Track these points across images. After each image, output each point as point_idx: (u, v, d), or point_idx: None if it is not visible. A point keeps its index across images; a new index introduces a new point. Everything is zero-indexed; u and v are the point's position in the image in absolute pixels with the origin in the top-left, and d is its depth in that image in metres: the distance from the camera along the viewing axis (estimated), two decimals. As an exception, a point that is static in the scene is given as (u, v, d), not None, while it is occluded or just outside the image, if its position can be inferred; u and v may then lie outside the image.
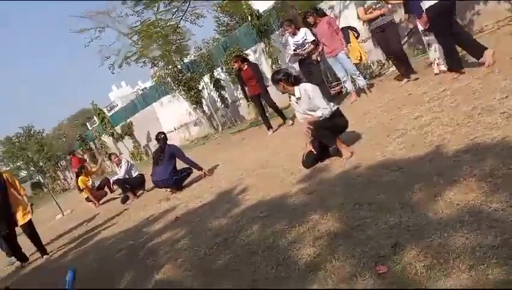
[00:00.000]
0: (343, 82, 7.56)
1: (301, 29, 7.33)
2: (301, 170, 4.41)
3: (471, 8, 8.09)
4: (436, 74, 5.77)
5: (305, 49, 7.32)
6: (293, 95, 4.40)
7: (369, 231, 2.40)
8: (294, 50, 7.37)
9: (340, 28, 7.37)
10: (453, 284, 1.66)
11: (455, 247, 1.87)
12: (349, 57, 7.16)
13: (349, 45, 7.95)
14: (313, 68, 7.50)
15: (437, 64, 5.80)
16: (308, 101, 4.28)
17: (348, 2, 9.95)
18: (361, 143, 4.44)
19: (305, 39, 7.26)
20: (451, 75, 5.23)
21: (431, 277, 1.75)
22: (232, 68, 12.45)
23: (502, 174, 2.33)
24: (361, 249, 2.24)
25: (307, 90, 4.30)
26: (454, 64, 5.21)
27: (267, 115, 8.53)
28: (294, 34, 7.30)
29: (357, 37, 8.67)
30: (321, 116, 4.14)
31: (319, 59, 7.66)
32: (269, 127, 8.19)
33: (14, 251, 5.97)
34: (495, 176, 2.36)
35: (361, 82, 7.00)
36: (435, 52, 5.84)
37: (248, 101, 9.79)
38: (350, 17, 9.61)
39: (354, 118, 5.43)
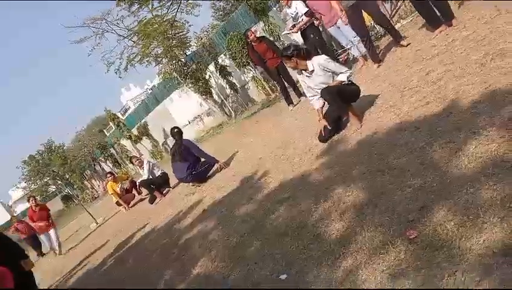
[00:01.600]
0: (349, 49, 7.41)
1: (293, 2, 7.19)
2: (318, 145, 4.39)
3: None
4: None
5: (299, 22, 7.18)
6: (305, 70, 4.34)
7: (394, 197, 2.39)
8: (293, 25, 7.27)
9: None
10: (486, 240, 1.65)
11: (483, 201, 1.85)
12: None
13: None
14: (316, 39, 7.35)
15: None
16: (323, 73, 4.23)
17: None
18: (376, 107, 4.37)
19: (297, 12, 7.12)
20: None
21: (463, 235, 1.74)
22: (244, 46, 12.34)
23: (522, 120, 2.27)
24: (389, 216, 2.24)
25: (320, 62, 4.25)
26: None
27: (287, 89, 8.05)
28: (288, 6, 7.21)
29: (356, 0, 8.45)
30: (345, 80, 4.11)
31: (320, 28, 7.51)
32: (290, 102, 7.93)
33: None
34: (515, 122, 2.30)
35: (362, 48, 6.82)
36: None
37: (270, 76, 9.23)
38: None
39: (365, 83, 5.36)
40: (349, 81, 4.29)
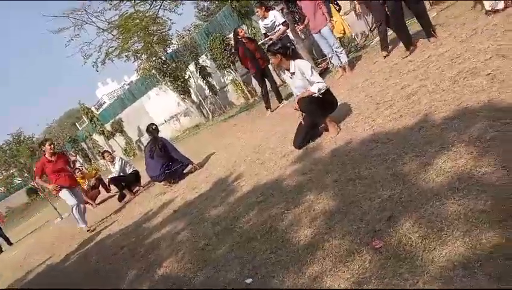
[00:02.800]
0: (329, 58, 7.51)
1: (271, 12, 7.24)
2: (293, 151, 4.41)
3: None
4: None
5: (275, 33, 7.20)
6: (287, 70, 4.36)
7: (363, 207, 2.42)
8: (265, 34, 7.28)
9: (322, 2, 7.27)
10: (448, 252, 1.68)
11: (448, 215, 1.89)
12: (332, 32, 7.09)
13: (332, 19, 7.88)
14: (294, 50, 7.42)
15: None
16: (302, 78, 4.26)
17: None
18: (351, 118, 4.43)
19: (274, 22, 7.16)
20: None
21: (426, 247, 1.77)
22: (225, 48, 12.27)
23: (489, 137, 2.34)
24: (357, 225, 2.26)
25: (301, 66, 4.28)
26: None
27: (268, 93, 8.06)
28: (264, 17, 7.20)
29: (338, 11, 8.60)
30: (317, 92, 4.12)
31: (302, 36, 7.59)
32: (269, 107, 7.94)
33: None
34: (483, 139, 2.37)
35: (343, 59, 6.92)
36: None
37: (254, 77, 9.15)
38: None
39: (342, 93, 5.44)
40: (328, 90, 4.33)
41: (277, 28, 7.18)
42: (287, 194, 3.30)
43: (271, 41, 6.95)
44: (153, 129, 6.65)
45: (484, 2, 4.78)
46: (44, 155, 6.82)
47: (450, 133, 2.69)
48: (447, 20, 6.07)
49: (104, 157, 8.72)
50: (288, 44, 7.30)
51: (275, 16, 7.14)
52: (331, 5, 8.34)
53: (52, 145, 6.87)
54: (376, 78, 5.33)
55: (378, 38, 8.32)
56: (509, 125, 2.36)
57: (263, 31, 7.36)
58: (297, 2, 7.01)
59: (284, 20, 7.14)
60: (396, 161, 2.75)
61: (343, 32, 8.50)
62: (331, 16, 7.97)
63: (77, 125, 31.39)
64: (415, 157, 2.64)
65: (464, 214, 1.84)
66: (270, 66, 7.63)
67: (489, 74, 3.28)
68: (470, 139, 2.46)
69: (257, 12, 7.24)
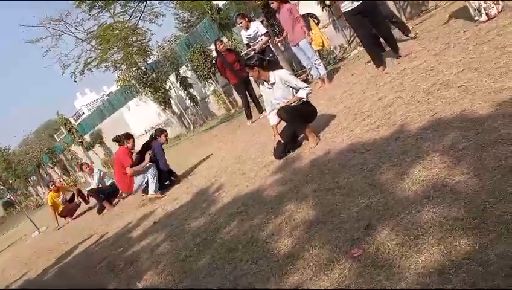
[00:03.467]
0: (308, 70, 7.63)
1: (253, 22, 7.33)
2: (273, 161, 4.45)
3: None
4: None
5: (257, 43, 7.28)
6: (267, 81, 4.40)
7: (342, 216, 2.46)
8: (247, 44, 7.35)
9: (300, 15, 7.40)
10: (424, 259, 1.73)
11: (423, 222, 1.95)
12: (311, 45, 7.21)
13: (310, 32, 8.02)
14: (274, 59, 7.49)
15: None
16: (283, 87, 4.30)
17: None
18: (330, 128, 4.51)
19: (257, 32, 7.25)
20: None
21: (403, 255, 1.81)
22: (206, 60, 12.28)
23: (462, 147, 2.43)
24: (336, 234, 2.30)
25: (282, 76, 4.32)
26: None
27: (249, 104, 8.12)
28: (247, 27, 7.27)
29: (317, 24, 8.76)
30: (304, 97, 4.18)
31: (282, 48, 7.69)
32: (250, 117, 7.98)
33: None
34: (456, 149, 2.45)
35: (321, 71, 7.04)
36: None
37: (235, 88, 9.19)
38: (309, 4, 9.67)
39: (321, 104, 5.52)
40: (307, 101, 4.40)
41: (259, 39, 7.26)
42: (268, 204, 3.32)
43: (253, 52, 7.06)
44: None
45: (472, 13, 4.95)
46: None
47: (424, 143, 2.77)
48: (421, 34, 6.27)
49: (82, 170, 8.55)
50: (270, 55, 7.43)
51: (257, 27, 7.23)
52: (310, 18, 8.50)
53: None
54: (354, 90, 5.45)
55: (356, 51, 8.54)
56: (481, 135, 2.45)
57: (245, 42, 7.42)
58: (276, 15, 7.10)
59: (266, 30, 7.23)
60: (374, 171, 2.81)
61: (321, 45, 8.64)
62: (310, 29, 8.12)
63: (55, 137, 30.72)
64: (391, 167, 2.71)
65: (438, 221, 1.90)
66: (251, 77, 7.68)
67: (462, 86, 3.40)
68: (443, 148, 2.54)
69: (240, 22, 7.28)
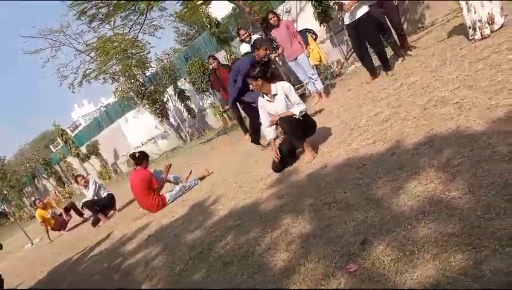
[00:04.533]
0: (306, 84, 7.70)
1: (254, 35, 7.41)
2: (271, 175, 4.45)
3: (422, 3, 8.46)
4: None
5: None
6: (267, 94, 4.39)
7: (338, 230, 2.46)
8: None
9: (298, 30, 7.50)
10: (419, 275, 1.73)
11: (419, 238, 1.95)
12: (308, 60, 7.30)
13: (308, 47, 8.13)
14: (276, 71, 7.57)
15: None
16: (284, 99, 4.28)
17: (304, 3, 10.14)
18: (327, 142, 4.53)
19: None
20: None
21: (398, 270, 1.81)
22: (204, 73, 12.36)
23: (457, 163, 2.45)
24: (332, 248, 2.29)
25: (284, 87, 4.29)
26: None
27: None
28: (249, 41, 7.32)
29: (315, 39, 8.88)
30: (298, 113, 4.14)
31: (280, 63, 7.77)
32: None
33: None
34: (451, 165, 2.47)
35: (318, 86, 7.11)
36: None
37: (226, 106, 9.31)
38: (307, 19, 9.82)
39: (318, 119, 5.54)
40: (307, 114, 4.42)
41: None
42: (264, 218, 3.32)
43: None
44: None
45: (469, 31, 5.05)
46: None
47: (420, 158, 2.79)
48: (417, 51, 6.36)
49: (77, 182, 8.52)
50: (273, 66, 7.49)
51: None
52: (308, 33, 8.62)
53: None
54: (351, 105, 5.49)
55: (353, 66, 8.64)
56: (476, 151, 2.48)
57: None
58: (272, 31, 7.17)
59: None
60: (370, 185, 2.82)
61: (319, 60, 8.76)
62: (308, 44, 8.23)
63: (51, 148, 30.61)
64: (387, 182, 2.72)
65: (434, 237, 1.90)
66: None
67: (457, 102, 3.44)
68: (439, 164, 2.56)
69: (244, 34, 7.33)
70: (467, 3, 4.89)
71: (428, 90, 4.22)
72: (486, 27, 4.80)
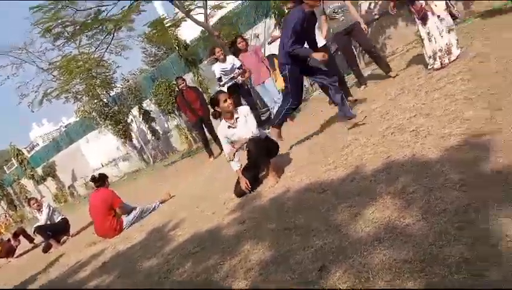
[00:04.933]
0: (272, 108, 7.77)
1: (228, 56, 7.42)
2: (233, 199, 4.40)
3: (383, 32, 8.86)
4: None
5: (234, 75, 7.32)
6: (229, 118, 4.33)
7: (297, 257, 2.43)
8: (219, 78, 7.36)
9: (266, 56, 7.61)
10: (374, 303, 1.72)
11: (374, 265, 1.95)
12: (275, 84, 7.41)
13: (275, 72, 8.26)
14: (244, 93, 7.55)
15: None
16: (245, 123, 4.28)
17: (273, 28, 10.36)
18: (290, 167, 4.54)
19: (233, 65, 7.33)
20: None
21: (354, 298, 1.80)
22: (171, 94, 12.23)
23: (412, 190, 2.50)
24: (290, 275, 2.25)
25: (245, 110, 4.33)
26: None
27: (208, 142, 8.24)
28: (224, 60, 7.29)
29: (281, 65, 9.04)
30: (249, 138, 4.15)
31: (248, 85, 7.81)
32: (211, 154, 8.05)
33: None
34: (406, 192, 2.52)
35: None
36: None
37: (193, 126, 9.23)
38: (274, 45, 10.01)
39: (282, 143, 5.57)
40: (267, 138, 4.45)
41: (236, 70, 7.27)
42: (224, 244, 3.24)
43: (233, 81, 7.13)
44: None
45: (429, 61, 5.28)
46: None
47: (378, 185, 2.84)
48: (380, 78, 6.58)
49: (30, 205, 8.05)
50: (246, 87, 7.50)
51: (234, 59, 7.28)
52: (275, 59, 8.78)
53: None
54: (314, 129, 5.57)
55: (317, 92, 8.83)
56: (429, 179, 2.55)
57: (218, 75, 7.38)
58: (239, 56, 7.22)
59: (240, 64, 7.28)
60: (330, 211, 2.83)
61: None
62: (275, 69, 8.38)
63: (5, 169, 29.06)
64: (346, 208, 2.74)
65: (388, 264, 1.91)
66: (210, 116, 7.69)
67: (414, 130, 3.56)
68: (395, 191, 2.61)
69: (219, 52, 7.27)
70: (428, 34, 5.15)
71: (388, 117, 4.35)
72: (445, 57, 5.06)
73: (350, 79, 7.54)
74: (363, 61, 8.79)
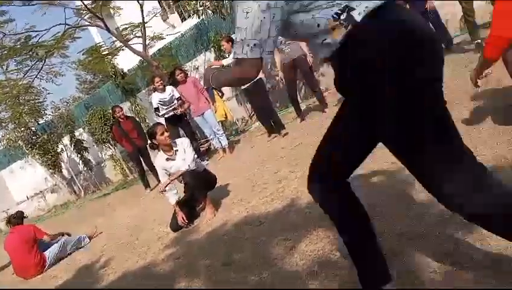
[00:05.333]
0: (211, 139, 7.76)
1: (167, 86, 7.34)
2: (169, 233, 4.25)
3: (316, 70, 9.32)
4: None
5: (173, 106, 7.22)
6: (168, 151, 4.24)
7: (233, 294, 2.38)
8: (156, 108, 7.22)
9: (205, 87, 7.64)
10: (308, 339, 1.71)
11: (308, 299, 1.97)
12: (214, 116, 7.44)
13: (214, 103, 8.31)
14: (183, 124, 7.46)
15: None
16: (183, 156, 4.21)
17: (212, 62, 10.47)
18: (228, 199, 4.52)
19: (172, 96, 7.25)
20: None
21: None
22: (106, 123, 11.70)
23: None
24: (225, 315, 2.19)
25: (184, 142, 4.27)
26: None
27: (145, 173, 8.00)
28: (163, 90, 7.18)
29: (221, 96, 9.13)
30: (187, 171, 4.08)
31: (187, 116, 7.75)
32: (147, 185, 7.82)
33: None
34: (339, 224, 2.60)
35: (223, 142, 7.24)
36: None
37: (129, 156, 8.90)
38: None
39: (221, 175, 5.53)
40: (205, 170, 4.41)
41: (175, 101, 7.15)
42: (156, 284, 3.10)
43: (174, 112, 6.99)
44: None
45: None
46: None
47: (312, 218, 2.90)
48: (316, 111, 6.88)
49: None
50: (185, 118, 7.40)
51: (173, 90, 7.18)
52: (214, 90, 8.84)
53: None
54: (253, 162, 5.63)
55: (256, 124, 9.00)
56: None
57: (155, 106, 7.21)
58: (178, 88, 7.19)
59: (179, 95, 7.20)
60: (266, 245, 2.83)
61: (225, 116, 8.97)
62: (214, 101, 8.43)
63: None
64: (282, 241, 2.76)
65: (321, 298, 1.93)
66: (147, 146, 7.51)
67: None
68: (328, 224, 2.67)
69: (158, 82, 7.12)
70: None
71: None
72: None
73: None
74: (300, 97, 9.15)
